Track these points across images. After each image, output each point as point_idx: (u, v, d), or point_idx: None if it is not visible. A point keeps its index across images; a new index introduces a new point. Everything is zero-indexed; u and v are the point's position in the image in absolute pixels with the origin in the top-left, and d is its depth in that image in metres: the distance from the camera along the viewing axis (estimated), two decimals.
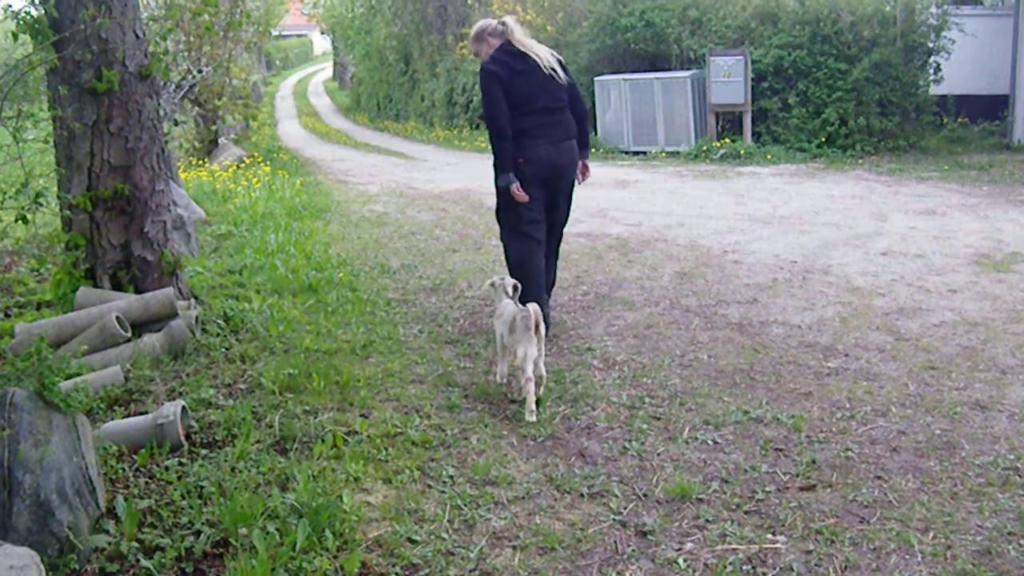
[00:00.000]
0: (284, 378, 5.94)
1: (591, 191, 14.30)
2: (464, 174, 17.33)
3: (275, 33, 38.75)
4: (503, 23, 6.97)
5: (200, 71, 17.97)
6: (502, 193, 6.95)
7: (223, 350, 6.62)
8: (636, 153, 19.58)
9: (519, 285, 6.26)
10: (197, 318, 6.87)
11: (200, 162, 20.29)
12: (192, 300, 7.38)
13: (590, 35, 21.55)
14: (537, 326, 5.59)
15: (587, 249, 10.14)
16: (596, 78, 20.54)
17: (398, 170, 18.84)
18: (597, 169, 17.33)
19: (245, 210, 12.61)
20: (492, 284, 6.39)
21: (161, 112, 7.34)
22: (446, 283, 8.87)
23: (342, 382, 5.94)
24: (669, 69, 20.11)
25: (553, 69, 6.85)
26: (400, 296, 8.41)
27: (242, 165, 19.57)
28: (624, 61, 20.95)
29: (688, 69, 19.64)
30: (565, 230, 7.38)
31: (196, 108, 20.61)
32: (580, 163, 7.16)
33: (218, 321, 7.12)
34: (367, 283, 8.84)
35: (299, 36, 73.46)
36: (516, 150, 6.78)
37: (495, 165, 6.94)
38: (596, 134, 20.65)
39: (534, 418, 5.46)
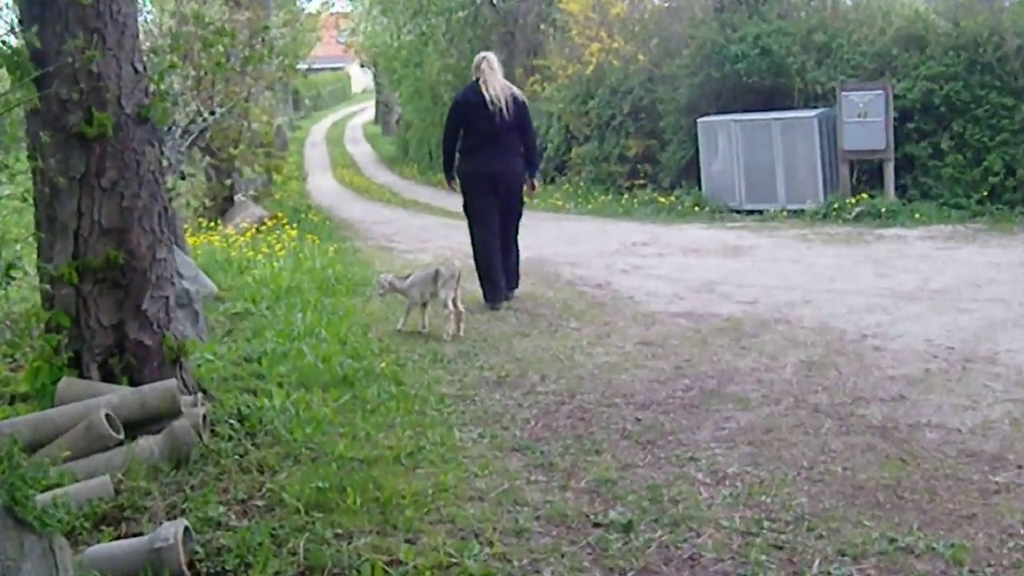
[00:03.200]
0: (311, 493, 5.93)
1: (694, 259, 14.28)
2: (537, 239, 17.32)
3: (305, 67, 39.37)
4: (484, 59, 11.66)
5: (212, 113, 18.22)
6: (464, 192, 11.72)
7: (236, 457, 6.63)
8: (750, 212, 19.53)
9: (391, 280, 10.79)
10: (205, 417, 6.89)
11: (212, 224, 20.56)
12: (199, 395, 7.42)
13: (691, 66, 21.66)
14: (458, 277, 10.30)
15: (690, 333, 10.10)
16: (700, 119, 20.60)
17: (455, 234, 18.87)
18: (700, 232, 17.36)
19: (266, 284, 12.73)
20: (381, 285, 10.84)
21: (164, 163, 7.45)
22: (513, 375, 8.85)
23: (383, 499, 5.92)
24: (791, 107, 20.11)
25: (500, 108, 11.27)
26: (456, 391, 8.41)
27: (263, 228, 19.82)
28: (734, 98, 20.98)
29: (814, 107, 19.63)
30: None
31: (207, 158, 20.89)
32: (528, 180, 11.91)
33: (231, 421, 7.15)
34: (415, 375, 8.85)
35: (334, 70, 74.74)
36: (468, 161, 11.57)
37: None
38: (700, 188, 20.65)
39: (448, 337, 10.04)
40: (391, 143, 47.25)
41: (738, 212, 19.72)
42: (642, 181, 22.99)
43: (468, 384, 8.63)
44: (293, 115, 52.75)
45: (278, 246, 16.37)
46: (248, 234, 18.41)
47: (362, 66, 58.11)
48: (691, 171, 21.45)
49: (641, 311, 11.21)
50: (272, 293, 12.14)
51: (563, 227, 19.61)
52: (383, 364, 8.95)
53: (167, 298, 7.31)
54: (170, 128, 16.13)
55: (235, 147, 20.34)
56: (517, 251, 11.96)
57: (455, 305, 10.24)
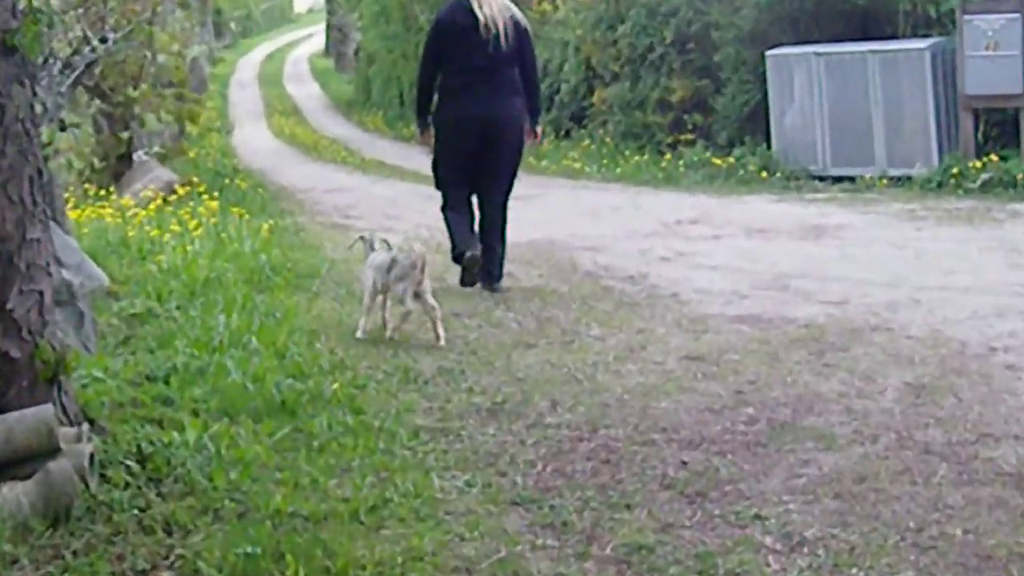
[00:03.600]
0: (237, 561, 5.93)
1: (761, 243, 14.28)
2: (546, 214, 17.40)
3: None
4: None
5: (104, 40, 18.24)
6: (439, 142, 12.21)
7: (135, 512, 6.62)
8: (837, 180, 19.59)
9: (387, 240, 10.87)
10: (93, 456, 6.89)
11: (103, 193, 20.57)
12: (85, 426, 7.41)
13: None
14: (422, 267, 10.17)
15: (755, 344, 10.12)
16: (769, 52, 20.58)
17: (433, 208, 18.94)
18: (770, 206, 17.37)
19: (176, 274, 12.74)
20: (361, 238, 11.11)
21: (38, 109, 7.45)
22: (513, 401, 8.86)
23: (335, 569, 5.92)
24: (893, 36, 20.12)
25: (496, 34, 11.40)
26: (436, 423, 8.42)
27: (172, 198, 19.83)
28: (816, 24, 21.02)
29: (925, 36, 19.64)
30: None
31: (96, 102, 20.94)
32: (528, 129, 12.22)
33: (128, 462, 7.14)
34: (380, 400, 8.87)
35: None
36: (451, 103, 11.89)
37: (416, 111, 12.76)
38: (769, 147, 20.65)
39: (391, 334, 10.51)
40: (347, 82, 47.41)
41: (821, 179, 19.77)
42: (690, 136, 23.05)
43: (452, 413, 8.62)
44: (214, 44, 52.85)
45: (193, 223, 16.38)
46: (152, 206, 18.43)
47: None
48: (757, 123, 21.50)
49: (688, 314, 11.26)
50: (184, 287, 12.14)
51: (582, 198, 19.64)
52: (336, 385, 8.94)
53: (41, 293, 7.29)
54: (46, 61, 16.16)
55: (134, 87, 20.38)
56: (504, 227, 12.47)
57: (425, 302, 10.33)
